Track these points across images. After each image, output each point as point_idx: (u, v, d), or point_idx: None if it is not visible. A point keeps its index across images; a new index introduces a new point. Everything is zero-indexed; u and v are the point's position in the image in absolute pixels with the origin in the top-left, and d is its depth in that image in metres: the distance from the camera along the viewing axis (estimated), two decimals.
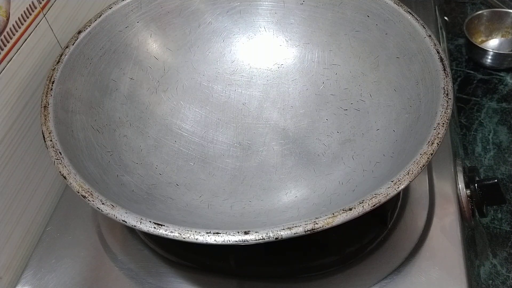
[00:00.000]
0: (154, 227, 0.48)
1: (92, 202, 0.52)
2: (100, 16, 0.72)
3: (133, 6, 0.75)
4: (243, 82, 0.81)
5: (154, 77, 0.77)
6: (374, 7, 0.72)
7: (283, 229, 0.47)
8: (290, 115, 0.77)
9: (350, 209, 0.48)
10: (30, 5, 0.71)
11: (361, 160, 0.67)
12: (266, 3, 0.80)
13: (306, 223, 0.47)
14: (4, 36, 0.65)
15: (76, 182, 0.53)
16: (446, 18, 1.40)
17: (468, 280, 0.61)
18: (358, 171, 0.65)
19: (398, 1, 0.70)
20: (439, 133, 0.54)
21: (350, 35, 0.76)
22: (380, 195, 0.49)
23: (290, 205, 0.65)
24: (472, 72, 1.37)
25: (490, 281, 0.74)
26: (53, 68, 0.65)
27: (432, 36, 0.65)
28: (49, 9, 0.76)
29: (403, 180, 0.51)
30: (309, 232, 0.47)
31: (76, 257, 0.70)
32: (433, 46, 0.64)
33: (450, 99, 0.58)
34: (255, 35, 0.82)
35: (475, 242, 0.73)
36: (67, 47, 0.68)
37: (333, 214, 0.48)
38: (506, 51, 1.42)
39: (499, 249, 0.78)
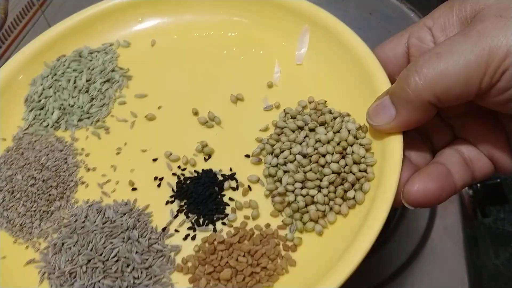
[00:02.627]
0: None
1: None
2: None
3: None
4: None
5: None
6: (376, 5, 0.71)
7: None
8: None
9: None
10: (28, 2, 0.70)
11: None
12: None
13: None
14: (3, 34, 0.65)
15: None
16: None
17: (470, 281, 0.61)
18: None
19: None
20: None
21: None
22: None
23: None
24: None
25: (493, 282, 0.74)
26: None
27: None
28: (47, 6, 0.75)
29: None
30: None
31: None
32: None
33: None
34: None
35: (477, 243, 0.73)
36: None
37: None
38: None
39: (501, 249, 0.77)
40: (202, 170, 0.39)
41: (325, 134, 0.37)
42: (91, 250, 0.35)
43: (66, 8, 0.76)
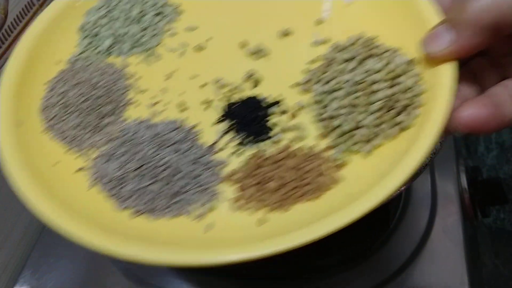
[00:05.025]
0: None
1: None
2: None
3: None
4: None
5: None
6: None
7: None
8: None
9: None
10: (28, 2, 0.69)
11: None
12: None
13: None
14: (2, 34, 0.64)
15: None
16: None
17: (470, 281, 0.61)
18: None
19: None
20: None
21: None
22: None
23: None
24: None
25: (493, 282, 0.73)
26: None
27: None
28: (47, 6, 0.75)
29: None
30: None
31: (75, 257, 0.67)
32: None
33: None
34: None
35: (477, 242, 0.73)
36: None
37: None
38: None
39: (501, 249, 0.77)
40: (248, 96, 0.40)
41: (374, 65, 0.38)
42: (141, 158, 0.36)
43: None
